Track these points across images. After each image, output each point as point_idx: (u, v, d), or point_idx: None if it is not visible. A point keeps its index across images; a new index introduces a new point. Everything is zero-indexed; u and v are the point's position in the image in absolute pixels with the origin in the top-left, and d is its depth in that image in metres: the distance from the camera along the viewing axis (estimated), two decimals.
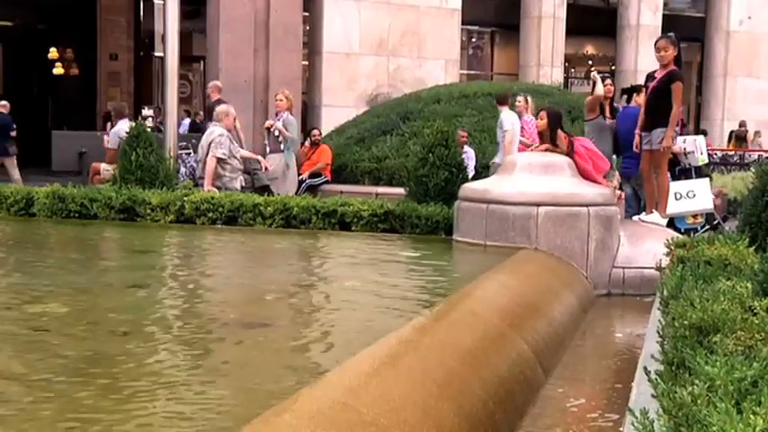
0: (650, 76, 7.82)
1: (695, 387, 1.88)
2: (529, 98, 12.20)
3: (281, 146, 10.75)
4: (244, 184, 9.88)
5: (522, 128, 11.59)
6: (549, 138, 7.07)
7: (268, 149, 10.94)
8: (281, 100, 10.95)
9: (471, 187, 6.74)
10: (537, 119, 8.07)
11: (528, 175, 6.41)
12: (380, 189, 11.64)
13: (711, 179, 9.52)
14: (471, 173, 9.75)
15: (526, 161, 6.67)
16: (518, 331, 3.97)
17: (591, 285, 5.94)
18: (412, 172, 8.08)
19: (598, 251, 6.14)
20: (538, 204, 6.12)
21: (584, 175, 6.66)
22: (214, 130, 9.71)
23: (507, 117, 11.50)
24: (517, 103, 11.94)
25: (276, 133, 10.76)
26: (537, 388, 3.62)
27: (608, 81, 9.68)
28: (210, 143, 9.50)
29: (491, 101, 13.78)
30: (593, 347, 4.63)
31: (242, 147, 10.54)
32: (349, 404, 2.58)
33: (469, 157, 11.40)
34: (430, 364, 3.14)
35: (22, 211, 7.82)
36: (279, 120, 10.86)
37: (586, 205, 6.21)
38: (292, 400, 2.53)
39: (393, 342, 3.30)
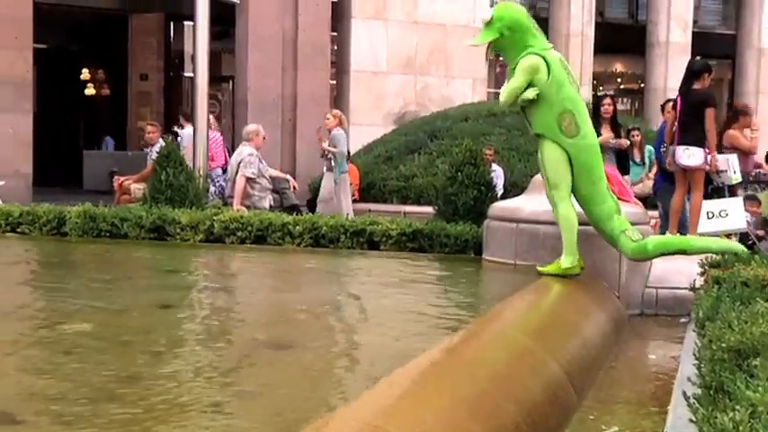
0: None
1: (737, 413, 1.84)
2: None
3: (332, 163, 10.75)
4: (273, 204, 9.91)
5: None
6: None
7: (325, 169, 10.97)
8: (328, 119, 10.99)
9: (501, 206, 6.71)
10: None
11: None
12: (408, 208, 11.63)
13: (757, 198, 9.41)
14: (500, 191, 9.72)
15: None
16: (550, 352, 3.92)
17: (623, 305, 5.87)
18: (440, 191, 8.07)
19: (630, 271, 6.07)
20: None
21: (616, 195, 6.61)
22: (243, 150, 9.76)
23: None
24: None
25: (327, 152, 10.80)
26: (570, 410, 3.56)
27: (606, 101, 9.58)
28: (240, 162, 9.55)
29: (520, 119, 13.73)
30: (627, 369, 4.56)
31: None
32: (380, 426, 2.55)
33: (498, 175, 11.36)
34: (461, 386, 3.10)
35: (54, 231, 7.87)
36: (329, 137, 10.85)
37: None
38: (323, 422, 2.51)
39: (424, 363, 3.27)
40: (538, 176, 6.80)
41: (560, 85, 5.46)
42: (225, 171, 12.67)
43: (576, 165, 5.47)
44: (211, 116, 13.15)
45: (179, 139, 12.26)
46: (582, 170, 5.48)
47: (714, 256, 5.37)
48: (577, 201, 5.61)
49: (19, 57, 14.65)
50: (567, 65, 5.69)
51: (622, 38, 22.14)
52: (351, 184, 12.45)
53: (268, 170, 10.05)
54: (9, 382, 3.12)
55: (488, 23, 5.49)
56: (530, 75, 5.38)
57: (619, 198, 6.37)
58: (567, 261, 5.48)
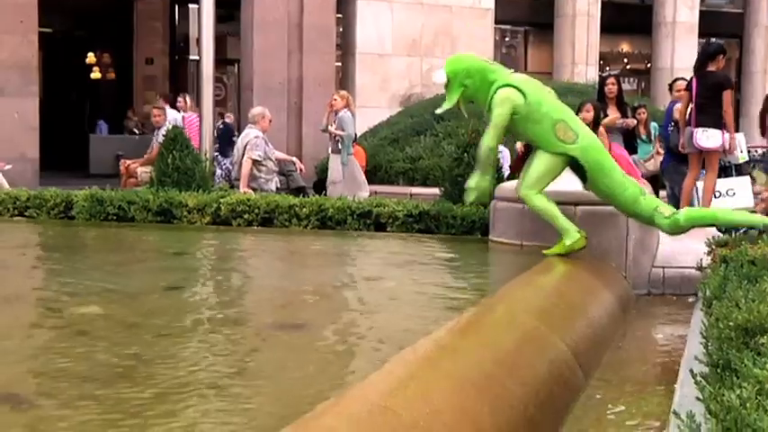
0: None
1: (744, 390, 1.84)
2: None
3: (339, 145, 10.66)
4: (279, 186, 9.91)
5: None
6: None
7: (330, 150, 10.88)
8: (335, 100, 10.86)
9: (507, 187, 6.70)
10: (583, 111, 8.02)
11: (565, 174, 6.35)
12: (415, 189, 11.63)
13: (753, 178, 9.41)
14: (506, 173, 9.69)
15: None
16: (556, 332, 3.92)
17: (630, 285, 5.87)
18: (447, 172, 8.07)
19: (637, 250, 6.07)
20: (575, 204, 6.05)
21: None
22: (249, 132, 9.77)
23: None
24: None
25: (332, 133, 10.72)
26: (577, 390, 3.57)
27: (610, 80, 9.54)
28: (246, 145, 9.55)
29: None
30: (634, 348, 4.57)
31: None
32: (388, 407, 2.56)
33: (504, 156, 11.33)
34: (468, 367, 3.11)
35: (61, 215, 7.90)
36: (335, 119, 10.78)
37: None
38: (331, 403, 2.52)
39: (431, 344, 3.28)
40: None
41: (539, 102, 5.52)
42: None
43: (587, 165, 5.52)
44: (188, 97, 13.34)
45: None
46: (595, 168, 5.52)
47: (720, 234, 5.37)
48: (602, 197, 5.68)
49: (24, 41, 14.64)
50: (536, 80, 5.72)
51: (628, 17, 22.03)
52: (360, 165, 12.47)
53: (274, 153, 10.04)
54: (23, 364, 3.15)
55: (447, 84, 5.56)
56: (507, 106, 5.39)
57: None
58: (568, 238, 5.51)
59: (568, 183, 6.23)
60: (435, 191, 8.83)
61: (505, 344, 3.51)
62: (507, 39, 22.82)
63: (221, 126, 14.90)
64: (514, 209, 6.34)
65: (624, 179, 5.60)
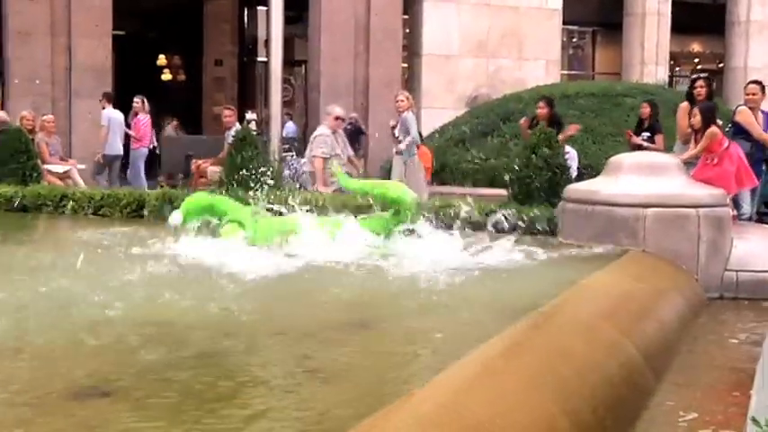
0: None
1: None
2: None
3: (402, 146, 10.66)
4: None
5: None
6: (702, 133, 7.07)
7: (394, 152, 10.89)
8: (401, 100, 10.80)
9: (576, 188, 6.64)
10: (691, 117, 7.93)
11: (635, 176, 6.28)
12: (481, 190, 11.58)
13: None
14: (574, 174, 9.62)
15: (633, 161, 6.53)
16: (627, 335, 3.88)
17: (701, 288, 5.77)
18: (514, 173, 8.02)
19: (709, 253, 5.96)
20: (645, 206, 5.98)
21: (709, 180, 6.57)
22: (317, 130, 9.85)
23: None
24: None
25: (397, 135, 10.72)
26: (648, 395, 3.53)
27: (699, 83, 9.36)
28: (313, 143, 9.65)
29: (593, 101, 13.58)
30: (706, 353, 4.48)
31: None
32: (459, 406, 2.56)
33: (572, 157, 11.22)
34: (538, 368, 3.10)
35: (133, 213, 8.07)
36: (399, 119, 10.76)
37: (696, 206, 6.03)
38: (401, 402, 2.53)
39: (501, 345, 3.27)
40: (615, 158, 6.73)
41: None
42: (153, 151, 13.69)
43: None
44: (139, 99, 13.75)
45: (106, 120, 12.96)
46: None
47: None
48: None
49: (99, 44, 14.99)
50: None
51: (700, 16, 21.60)
52: (423, 166, 12.45)
53: (348, 151, 10.09)
54: (101, 358, 3.22)
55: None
56: None
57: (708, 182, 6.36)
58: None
59: (637, 185, 6.16)
60: (502, 191, 8.78)
61: (576, 346, 3.48)
62: (575, 39, 22.57)
63: (349, 126, 15.13)
64: (583, 210, 6.29)
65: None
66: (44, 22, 14.71)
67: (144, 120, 13.84)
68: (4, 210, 8.41)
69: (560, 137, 10.26)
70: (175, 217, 6.11)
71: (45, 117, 12.35)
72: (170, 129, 19.58)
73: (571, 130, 10.57)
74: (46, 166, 10.78)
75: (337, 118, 10.04)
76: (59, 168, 11.68)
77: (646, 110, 10.86)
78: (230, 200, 6.46)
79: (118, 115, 13.78)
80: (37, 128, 11.81)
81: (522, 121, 10.60)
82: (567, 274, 5.26)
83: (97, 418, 2.56)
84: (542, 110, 10.30)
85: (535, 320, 3.78)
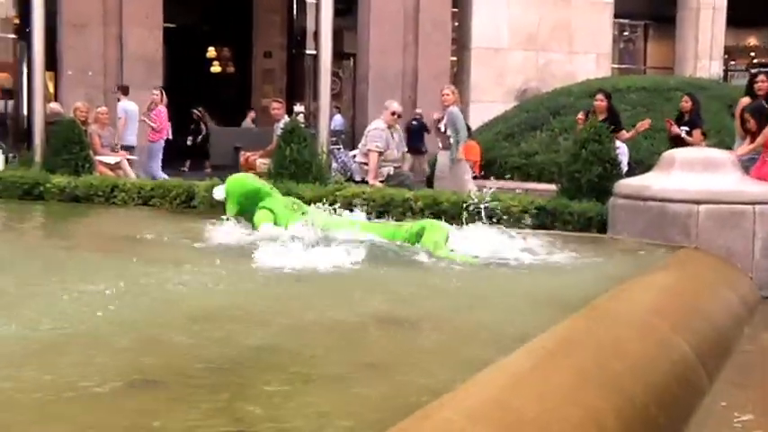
0: None
1: None
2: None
3: (449, 141, 10.56)
4: (390, 174, 9.89)
5: None
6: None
7: (440, 146, 10.80)
8: (447, 94, 10.69)
9: (627, 183, 6.55)
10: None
11: (688, 172, 6.17)
12: (530, 185, 11.48)
13: None
14: (625, 169, 9.49)
15: (686, 157, 6.43)
16: (679, 333, 3.81)
17: (756, 287, 5.65)
18: (564, 167, 7.93)
19: (764, 251, 5.84)
20: (698, 202, 5.88)
21: (765, 177, 6.46)
22: (372, 124, 9.86)
23: None
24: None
25: (443, 129, 10.63)
26: (701, 394, 3.46)
27: (761, 77, 9.13)
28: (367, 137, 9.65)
29: (645, 95, 13.39)
30: (760, 352, 4.40)
31: None
32: (507, 401, 2.54)
33: (623, 152, 11.07)
34: (588, 364, 3.05)
35: (183, 204, 8.14)
36: (445, 114, 10.68)
37: (751, 203, 5.91)
38: (449, 396, 2.51)
39: (550, 340, 3.23)
40: (667, 153, 6.63)
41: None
42: (167, 142, 13.80)
43: None
44: (157, 91, 13.82)
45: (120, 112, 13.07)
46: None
47: None
48: None
49: (150, 36, 15.16)
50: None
51: (756, 10, 21.19)
52: (471, 161, 12.37)
53: (403, 147, 10.08)
54: (150, 351, 3.25)
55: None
56: None
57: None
58: None
59: (689, 180, 6.06)
60: (551, 186, 8.70)
61: (626, 342, 3.43)
62: (626, 33, 22.31)
63: (414, 122, 15.20)
64: (635, 206, 6.20)
65: None
66: (97, 14, 14.92)
67: (162, 111, 14.00)
68: (57, 200, 8.53)
69: (630, 133, 10.19)
70: (218, 191, 6.44)
71: (99, 109, 12.51)
72: (248, 121, 19.81)
73: (643, 125, 10.37)
74: (98, 157, 10.91)
75: (393, 113, 9.99)
76: (111, 159, 11.82)
77: (687, 104, 10.65)
78: (271, 188, 6.51)
79: (134, 107, 13.98)
80: (90, 119, 11.96)
81: (579, 115, 10.44)
82: (618, 270, 5.20)
83: (150, 409, 2.58)
84: (601, 102, 10.12)
85: (586, 316, 3.73)
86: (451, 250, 5.68)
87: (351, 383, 2.92)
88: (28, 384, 2.73)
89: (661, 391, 3.14)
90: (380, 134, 9.57)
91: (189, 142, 19.36)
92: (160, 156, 13.93)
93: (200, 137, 19.73)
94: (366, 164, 9.60)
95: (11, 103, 19.36)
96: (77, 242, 6.57)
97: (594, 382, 2.89)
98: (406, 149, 11.41)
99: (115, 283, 4.17)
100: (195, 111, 19.94)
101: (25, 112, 17.32)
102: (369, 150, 9.50)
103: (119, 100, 13.75)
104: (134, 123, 13.95)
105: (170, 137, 14.35)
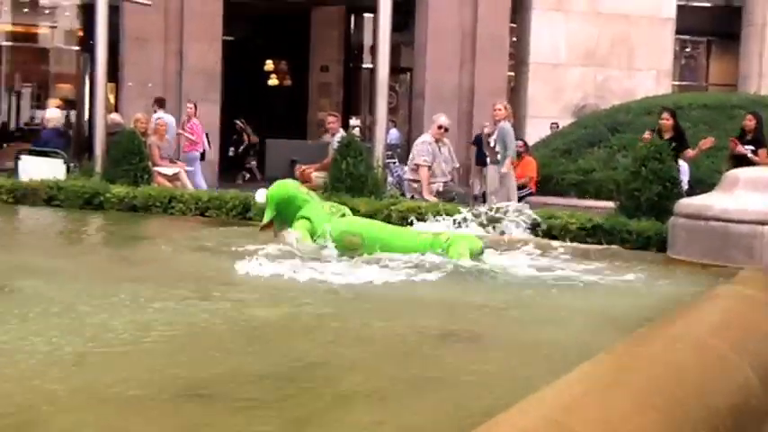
0: None
1: None
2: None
3: (498, 156, 10.54)
4: (440, 190, 9.88)
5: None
6: None
7: (488, 160, 10.78)
8: (498, 109, 10.70)
9: (689, 203, 6.42)
10: None
11: (752, 192, 6.03)
12: (587, 202, 11.35)
13: None
14: (685, 188, 9.33)
15: (750, 176, 6.28)
16: (742, 356, 3.70)
17: None
18: (622, 185, 7.82)
19: None
20: (763, 223, 5.73)
21: None
22: (419, 138, 9.85)
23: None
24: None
25: (492, 144, 10.61)
26: (764, 421, 3.35)
27: None
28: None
29: (707, 113, 13.18)
30: None
31: None
32: (563, 423, 2.47)
33: (683, 171, 10.89)
34: (648, 387, 2.97)
35: (239, 216, 8.19)
36: (496, 129, 10.65)
37: None
38: (503, 416, 2.46)
39: (608, 362, 3.16)
40: (731, 172, 6.49)
41: None
42: (203, 156, 13.91)
43: None
44: (191, 104, 13.88)
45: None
46: None
47: None
48: None
49: (209, 49, 15.37)
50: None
51: None
52: (527, 176, 12.29)
53: (452, 162, 10.06)
54: (198, 362, 3.25)
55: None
56: None
57: None
58: None
59: (754, 200, 5.92)
60: (609, 204, 8.58)
61: (687, 366, 3.33)
62: (688, 49, 21.99)
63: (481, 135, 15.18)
64: (695, 226, 6.07)
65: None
66: (158, 28, 15.17)
67: (197, 124, 14.15)
68: (116, 209, 8.65)
69: (694, 151, 10.04)
70: (260, 194, 6.60)
71: (158, 121, 12.69)
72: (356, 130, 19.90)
73: (706, 143, 10.22)
74: (156, 168, 11.06)
75: (440, 127, 9.98)
76: (169, 171, 11.97)
77: (751, 122, 10.43)
78: (313, 198, 6.51)
79: (170, 119, 14.11)
80: (149, 131, 12.13)
81: (646, 134, 10.26)
82: (679, 291, 5.09)
83: (202, 422, 2.58)
84: (667, 121, 9.98)
85: (646, 337, 3.64)
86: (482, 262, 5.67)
87: (406, 399, 2.89)
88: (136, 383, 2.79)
89: (724, 417, 3.04)
90: (427, 148, 9.57)
91: (230, 153, 19.61)
92: (198, 165, 14.10)
93: (241, 147, 19.94)
94: (416, 181, 9.60)
95: (73, 113, 19.78)
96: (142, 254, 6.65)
97: (654, 405, 2.81)
98: (458, 165, 11.37)
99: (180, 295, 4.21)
100: (237, 122, 20.15)
101: (87, 122, 17.69)
102: (417, 165, 9.50)
103: (155, 112, 13.90)
104: (170, 135, 14.11)
105: (206, 148, 14.51)
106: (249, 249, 5.83)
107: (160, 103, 14.46)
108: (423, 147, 9.71)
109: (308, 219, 6.21)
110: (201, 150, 14.35)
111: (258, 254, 5.54)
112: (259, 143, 19.73)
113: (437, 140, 9.84)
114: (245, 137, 20.14)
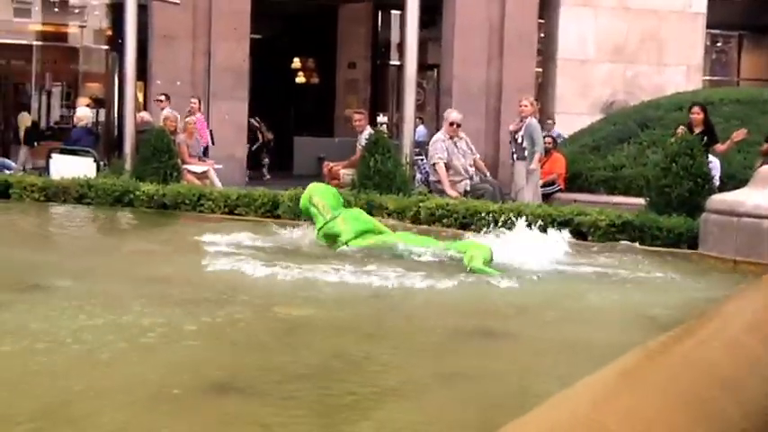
0: None
1: None
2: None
3: (525, 152, 10.48)
4: (468, 189, 9.83)
5: None
6: None
7: (515, 156, 10.72)
8: (525, 105, 10.65)
9: (721, 199, 6.36)
10: None
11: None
12: (616, 199, 11.25)
13: None
14: (716, 184, 9.23)
15: None
16: None
17: None
18: (653, 182, 7.76)
19: None
20: None
21: None
22: (434, 136, 9.87)
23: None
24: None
25: (519, 140, 10.56)
26: None
27: None
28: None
29: (739, 108, 13.03)
30: None
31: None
32: (595, 418, 2.45)
33: (715, 167, 10.77)
34: (680, 384, 2.93)
35: (268, 213, 8.21)
36: (523, 125, 10.60)
37: None
38: (535, 411, 2.44)
39: (640, 359, 3.12)
40: (763, 168, 6.41)
41: None
42: (205, 151, 13.61)
43: None
44: (195, 100, 13.78)
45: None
46: None
47: None
48: None
49: (237, 47, 15.41)
50: None
51: None
52: (556, 173, 12.21)
53: (473, 156, 10.03)
54: (234, 358, 3.27)
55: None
56: None
57: None
58: None
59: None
60: (638, 200, 8.51)
61: (721, 364, 3.29)
62: (719, 44, 21.76)
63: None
64: (728, 222, 6.01)
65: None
66: (186, 26, 15.23)
67: (201, 119, 14.08)
68: (146, 207, 8.71)
69: (726, 144, 9.91)
70: None
71: (188, 119, 12.76)
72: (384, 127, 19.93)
73: (738, 135, 10.10)
74: (185, 166, 11.11)
75: (452, 123, 9.93)
76: (198, 169, 12.03)
77: None
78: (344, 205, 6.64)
79: (177, 115, 14.04)
80: (178, 129, 12.20)
81: (679, 129, 10.14)
82: (710, 288, 5.04)
83: (236, 413, 2.59)
84: (698, 115, 9.90)
85: (676, 336, 3.60)
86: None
87: (435, 395, 2.88)
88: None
89: (760, 417, 3.01)
90: (441, 145, 9.56)
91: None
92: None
93: (255, 145, 19.97)
94: (438, 182, 9.58)
95: (102, 111, 19.94)
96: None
97: (686, 403, 2.78)
98: (478, 155, 11.27)
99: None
100: (253, 120, 20.18)
101: (116, 121, 17.82)
102: (433, 164, 9.51)
103: (162, 108, 13.85)
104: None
105: (209, 144, 14.48)
106: (276, 248, 5.85)
107: (168, 97, 14.45)
108: (437, 145, 9.70)
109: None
110: (205, 146, 14.34)
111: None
112: (274, 140, 19.80)
113: (451, 137, 9.81)
114: (260, 135, 20.17)
